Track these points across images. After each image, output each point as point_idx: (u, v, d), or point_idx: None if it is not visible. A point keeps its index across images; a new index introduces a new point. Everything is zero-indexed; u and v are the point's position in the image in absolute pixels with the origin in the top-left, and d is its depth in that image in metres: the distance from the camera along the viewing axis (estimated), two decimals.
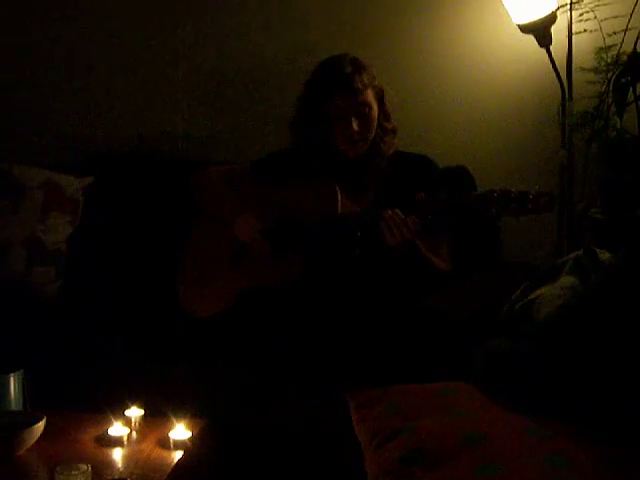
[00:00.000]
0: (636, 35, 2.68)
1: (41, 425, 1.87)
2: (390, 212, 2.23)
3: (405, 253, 2.27)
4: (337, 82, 2.38)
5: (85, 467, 1.72)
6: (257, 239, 2.42)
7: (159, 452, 1.89)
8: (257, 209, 2.45)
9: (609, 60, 2.72)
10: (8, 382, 2.02)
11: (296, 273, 2.34)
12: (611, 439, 1.60)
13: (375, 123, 2.44)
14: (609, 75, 2.71)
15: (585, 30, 2.77)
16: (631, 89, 2.67)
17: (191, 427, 1.95)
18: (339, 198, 2.36)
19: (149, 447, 1.92)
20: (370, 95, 2.41)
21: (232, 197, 2.52)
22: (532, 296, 2.02)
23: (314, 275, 2.35)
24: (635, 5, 2.70)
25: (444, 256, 2.43)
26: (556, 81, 2.78)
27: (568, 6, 2.76)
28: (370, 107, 2.41)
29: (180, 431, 1.93)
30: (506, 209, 2.10)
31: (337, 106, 2.39)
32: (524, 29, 2.75)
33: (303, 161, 2.50)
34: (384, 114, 2.48)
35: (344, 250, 2.37)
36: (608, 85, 2.71)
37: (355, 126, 2.39)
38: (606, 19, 2.72)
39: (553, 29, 2.74)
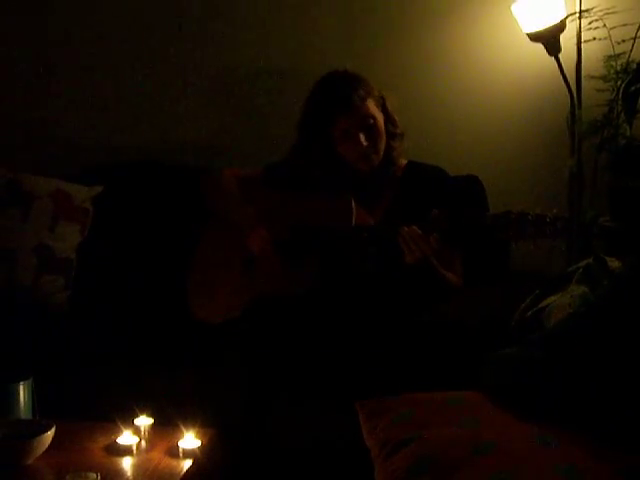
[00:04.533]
0: None
1: (50, 434, 1.87)
2: (407, 229, 2.21)
3: (421, 269, 2.26)
4: (336, 103, 2.37)
5: (94, 476, 1.72)
6: (269, 251, 2.42)
7: (168, 461, 1.89)
8: (269, 217, 2.45)
9: (618, 68, 2.72)
10: (17, 391, 2.02)
11: (308, 284, 2.34)
12: (623, 449, 1.59)
13: (383, 132, 2.43)
14: (618, 83, 2.71)
15: (594, 38, 2.76)
16: None
17: (200, 436, 1.94)
18: (354, 210, 2.35)
19: (158, 456, 1.91)
20: (371, 105, 2.40)
21: (244, 204, 2.51)
22: (542, 304, 2.02)
23: (326, 286, 2.35)
24: None
25: (458, 272, 2.42)
26: (565, 89, 2.77)
27: (577, 14, 2.75)
28: (374, 118, 2.40)
29: (189, 440, 1.93)
30: (523, 233, 2.07)
31: (341, 127, 2.38)
32: (533, 37, 2.75)
33: (315, 176, 2.50)
34: (390, 120, 2.47)
35: (357, 263, 2.37)
36: (617, 93, 2.71)
37: (364, 141, 2.39)
38: (615, 27, 2.72)
39: (562, 37, 2.74)
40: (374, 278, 2.37)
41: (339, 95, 2.37)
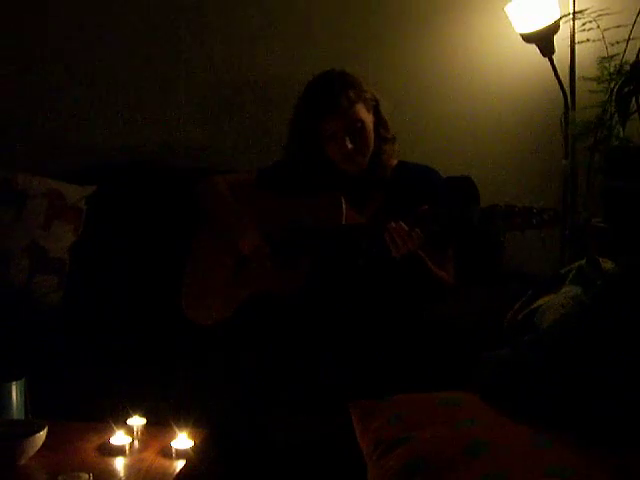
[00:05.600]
0: (639, 44, 2.69)
1: (43, 434, 1.86)
2: (394, 224, 2.21)
3: (412, 266, 2.27)
4: (323, 103, 2.37)
5: (87, 476, 1.72)
6: (260, 251, 2.42)
7: (161, 461, 1.89)
8: (261, 219, 2.45)
9: (612, 69, 2.73)
10: (10, 391, 2.02)
11: (299, 284, 2.34)
12: (616, 449, 1.59)
13: (371, 136, 2.43)
14: (612, 84, 2.71)
15: (588, 39, 2.77)
16: (634, 98, 2.67)
17: (193, 436, 1.94)
18: (344, 210, 2.36)
19: (151, 456, 1.91)
20: (361, 109, 2.40)
21: (236, 206, 2.52)
22: (535, 305, 2.02)
23: (318, 285, 2.35)
24: (638, 15, 2.70)
25: (450, 270, 2.43)
26: (559, 90, 2.78)
27: (571, 16, 2.76)
28: (362, 122, 2.39)
29: (182, 440, 1.92)
30: (510, 224, 2.09)
31: (327, 127, 2.38)
32: (527, 38, 2.75)
33: (306, 176, 2.50)
34: (381, 124, 2.47)
35: (349, 261, 2.37)
36: (611, 94, 2.71)
37: (349, 144, 2.39)
38: (609, 29, 2.73)
39: (556, 38, 2.74)
40: (366, 277, 2.37)
41: (327, 96, 2.37)
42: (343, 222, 2.36)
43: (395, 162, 2.55)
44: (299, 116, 2.46)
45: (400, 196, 2.45)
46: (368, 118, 2.42)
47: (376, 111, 2.45)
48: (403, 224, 2.20)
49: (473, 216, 2.16)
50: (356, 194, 2.45)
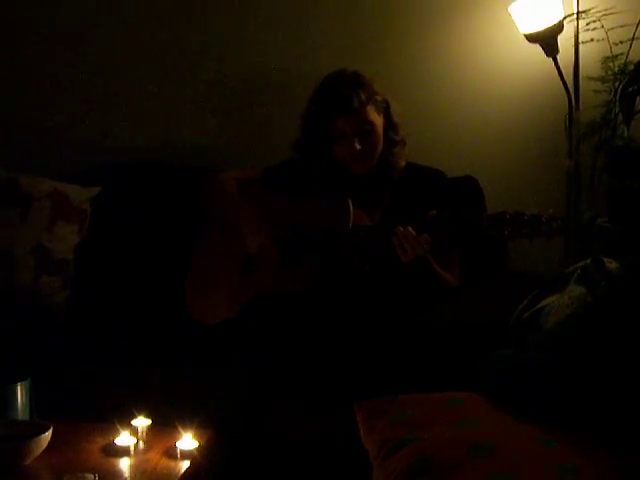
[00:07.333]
0: None
1: (48, 435, 1.86)
2: (402, 229, 2.21)
3: (417, 268, 2.27)
4: (335, 103, 2.37)
5: (92, 477, 1.72)
6: (267, 250, 2.42)
7: (166, 462, 1.89)
8: (268, 219, 2.45)
9: (616, 69, 2.73)
10: (15, 391, 2.02)
11: (305, 285, 2.34)
12: (621, 449, 1.59)
13: (380, 138, 2.43)
14: (616, 84, 2.72)
15: (592, 39, 2.76)
16: (638, 98, 2.67)
17: (198, 437, 1.94)
18: (351, 211, 2.36)
19: (156, 457, 1.91)
20: (371, 111, 2.39)
21: (243, 205, 2.52)
22: (540, 305, 2.02)
23: (324, 286, 2.35)
24: None
25: (455, 273, 2.43)
26: (563, 90, 2.77)
27: (575, 15, 2.75)
28: (372, 124, 2.39)
29: (187, 441, 1.92)
30: (518, 232, 2.09)
31: (337, 127, 2.38)
32: (531, 39, 2.75)
33: (314, 176, 2.50)
34: (391, 126, 2.47)
35: (355, 263, 2.37)
36: (615, 94, 2.71)
37: (357, 145, 2.38)
38: (613, 28, 2.72)
39: (560, 38, 2.74)
40: (372, 278, 2.37)
41: (339, 96, 2.37)
42: (350, 224, 2.36)
43: (403, 164, 2.55)
44: (310, 114, 2.46)
45: (408, 198, 2.45)
46: (378, 120, 2.41)
47: (387, 114, 2.45)
48: (411, 229, 2.20)
49: (481, 223, 2.16)
50: (363, 196, 2.45)
